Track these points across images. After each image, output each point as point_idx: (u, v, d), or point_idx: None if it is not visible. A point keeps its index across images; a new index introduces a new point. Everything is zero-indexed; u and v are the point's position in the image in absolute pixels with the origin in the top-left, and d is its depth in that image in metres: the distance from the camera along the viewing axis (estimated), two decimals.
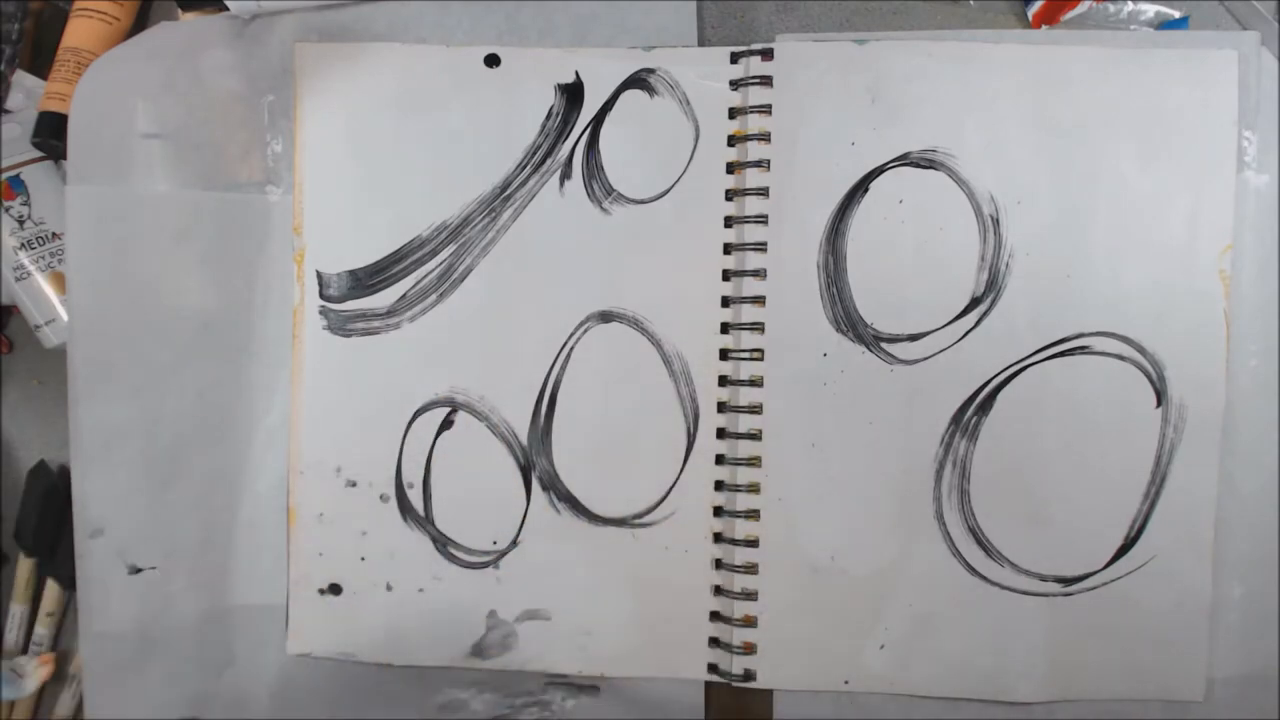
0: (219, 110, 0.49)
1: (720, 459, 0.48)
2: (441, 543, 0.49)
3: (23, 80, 0.52)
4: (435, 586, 0.49)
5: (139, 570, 0.49)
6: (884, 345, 0.47)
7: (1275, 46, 0.46)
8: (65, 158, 0.49)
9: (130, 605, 0.49)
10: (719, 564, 0.48)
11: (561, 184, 0.49)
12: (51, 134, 0.50)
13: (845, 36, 0.47)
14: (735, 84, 0.48)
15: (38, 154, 0.51)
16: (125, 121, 0.48)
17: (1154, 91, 0.46)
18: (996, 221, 0.47)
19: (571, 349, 0.49)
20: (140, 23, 0.53)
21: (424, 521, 0.49)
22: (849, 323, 0.47)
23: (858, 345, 0.47)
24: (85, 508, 0.49)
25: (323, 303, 0.49)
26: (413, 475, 0.49)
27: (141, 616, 0.49)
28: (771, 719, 0.48)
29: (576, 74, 0.48)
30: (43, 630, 0.52)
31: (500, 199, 0.49)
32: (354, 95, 0.49)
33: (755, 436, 0.47)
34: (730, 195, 0.48)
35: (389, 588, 0.50)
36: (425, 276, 0.49)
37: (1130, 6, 0.48)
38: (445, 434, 0.49)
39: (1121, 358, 0.46)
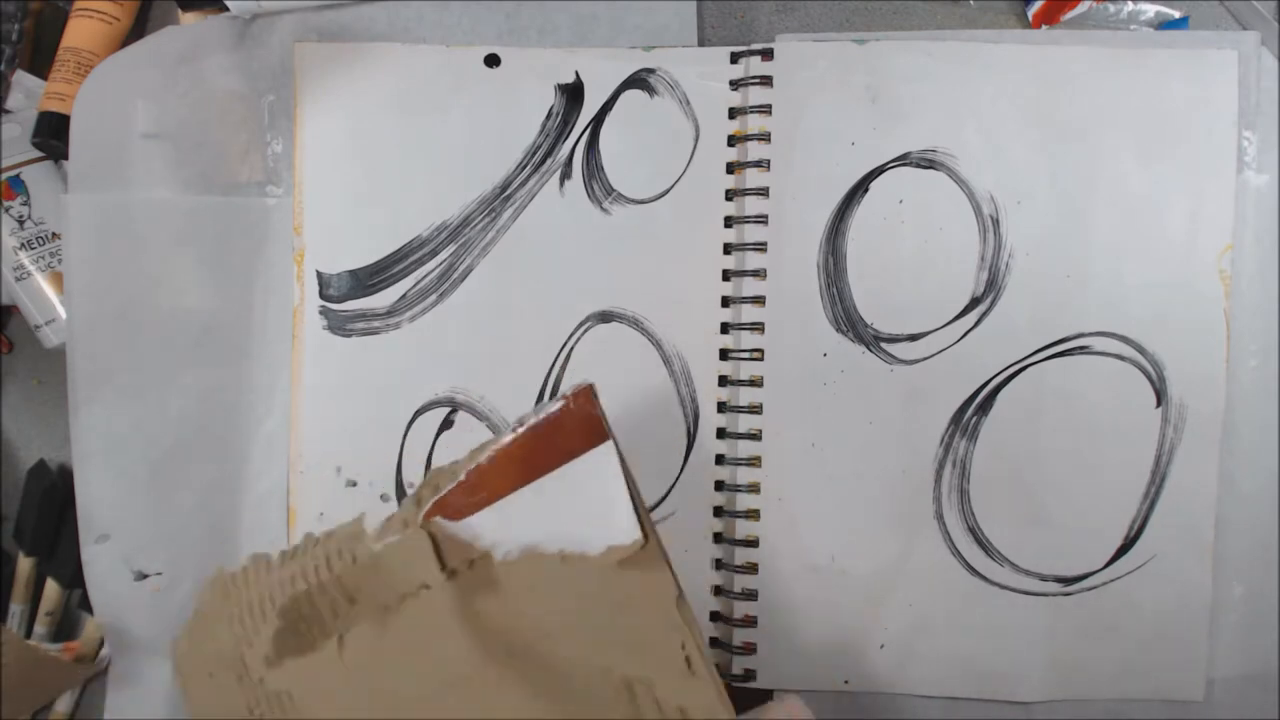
0: (219, 110, 0.49)
1: (720, 459, 0.48)
2: None
3: (23, 80, 0.52)
4: None
5: (145, 576, 0.49)
6: (884, 345, 0.47)
7: (1275, 46, 0.46)
8: (65, 158, 0.49)
9: (138, 611, 0.49)
10: (719, 564, 0.48)
11: (561, 184, 0.49)
12: (51, 134, 0.49)
13: (845, 36, 0.47)
14: (735, 84, 0.48)
15: (38, 154, 0.51)
16: (126, 124, 0.48)
17: (1154, 91, 0.46)
18: (996, 221, 0.47)
19: (571, 349, 0.49)
20: (140, 22, 0.53)
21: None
22: (849, 323, 0.47)
23: (858, 345, 0.47)
24: (89, 514, 0.48)
25: (323, 303, 0.49)
26: (413, 475, 0.49)
27: (149, 621, 0.49)
28: None
29: (576, 74, 0.48)
30: (41, 629, 0.52)
31: (500, 199, 0.49)
32: (354, 95, 0.49)
33: (755, 436, 0.47)
34: (730, 195, 0.48)
35: None
36: (425, 276, 0.49)
37: (1130, 6, 0.48)
38: (445, 434, 0.49)
39: (1121, 358, 0.46)
